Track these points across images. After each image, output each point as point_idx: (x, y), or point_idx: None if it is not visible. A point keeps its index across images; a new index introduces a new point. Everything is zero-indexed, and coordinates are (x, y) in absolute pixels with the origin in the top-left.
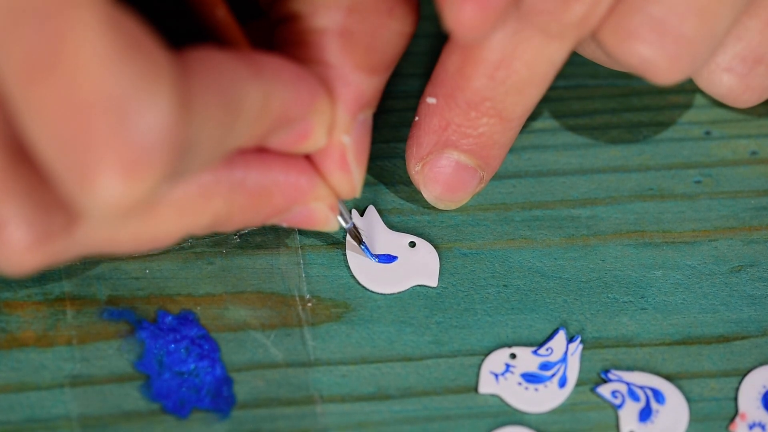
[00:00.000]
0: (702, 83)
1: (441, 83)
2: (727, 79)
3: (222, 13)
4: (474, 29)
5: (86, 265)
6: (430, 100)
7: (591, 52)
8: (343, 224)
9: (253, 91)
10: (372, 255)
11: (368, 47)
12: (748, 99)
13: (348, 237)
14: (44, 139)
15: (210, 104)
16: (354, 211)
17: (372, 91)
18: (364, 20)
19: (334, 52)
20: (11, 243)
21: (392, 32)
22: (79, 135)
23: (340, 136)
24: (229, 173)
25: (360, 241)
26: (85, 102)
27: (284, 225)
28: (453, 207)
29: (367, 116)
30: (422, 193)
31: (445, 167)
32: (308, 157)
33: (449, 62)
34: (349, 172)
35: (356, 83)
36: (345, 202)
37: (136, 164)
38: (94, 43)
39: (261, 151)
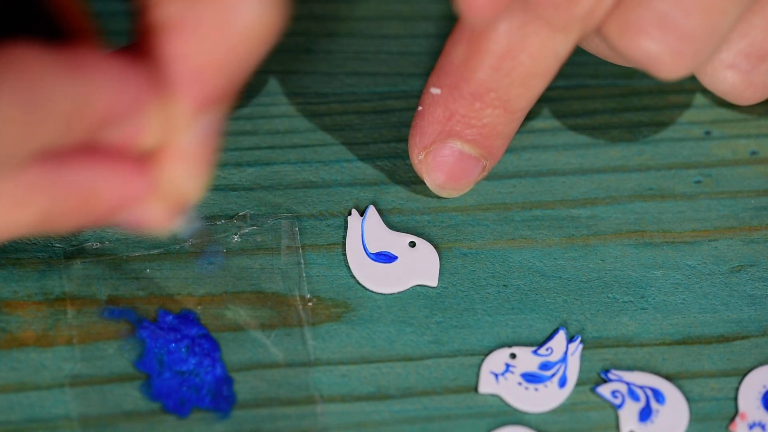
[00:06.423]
0: (705, 80)
1: (445, 74)
2: (730, 76)
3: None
4: (485, 11)
5: (86, 265)
6: (434, 90)
7: (595, 47)
8: (182, 227)
9: (65, 92)
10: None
11: (214, 42)
12: (750, 96)
13: (348, 237)
14: None
15: (5, 102)
16: (354, 211)
17: (219, 89)
18: (208, 12)
19: (176, 46)
20: None
21: (242, 26)
22: None
23: (177, 135)
24: (54, 171)
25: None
26: None
27: (123, 226)
28: (456, 195)
29: (213, 116)
30: (425, 181)
31: (448, 156)
32: (150, 158)
33: (454, 53)
34: (187, 174)
35: (199, 80)
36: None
37: None
38: None
39: (92, 149)
